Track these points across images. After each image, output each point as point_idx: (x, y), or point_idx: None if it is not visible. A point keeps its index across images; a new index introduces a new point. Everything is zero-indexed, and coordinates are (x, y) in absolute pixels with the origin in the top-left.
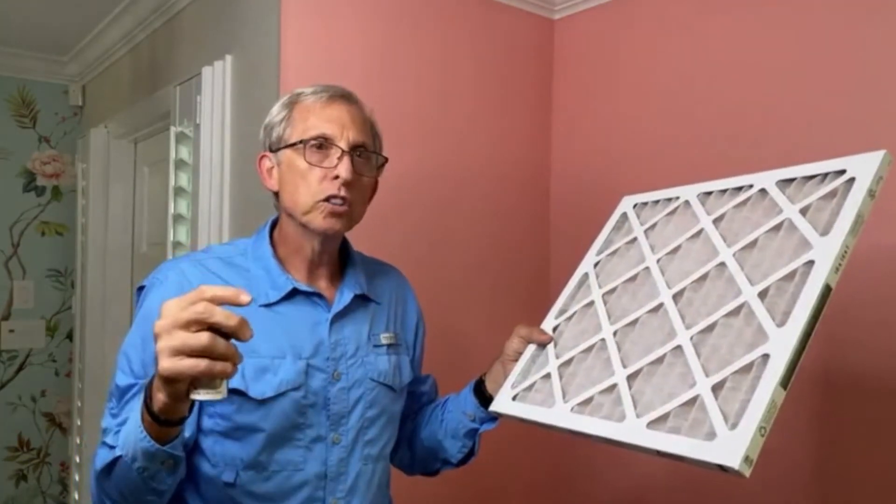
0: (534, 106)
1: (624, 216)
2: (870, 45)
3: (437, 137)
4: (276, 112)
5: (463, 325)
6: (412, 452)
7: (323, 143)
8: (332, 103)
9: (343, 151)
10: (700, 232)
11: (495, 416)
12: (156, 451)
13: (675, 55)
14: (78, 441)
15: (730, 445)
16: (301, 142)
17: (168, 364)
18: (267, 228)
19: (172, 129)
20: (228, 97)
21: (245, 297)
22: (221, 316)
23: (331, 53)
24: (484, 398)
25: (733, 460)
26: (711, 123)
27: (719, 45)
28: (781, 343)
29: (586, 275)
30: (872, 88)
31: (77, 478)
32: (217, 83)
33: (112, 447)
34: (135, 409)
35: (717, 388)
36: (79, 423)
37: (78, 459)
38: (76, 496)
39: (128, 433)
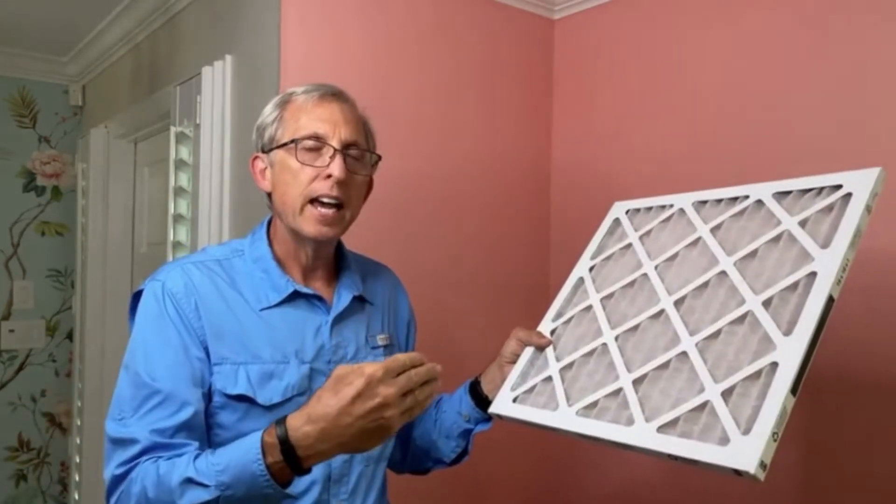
0: (534, 106)
1: (616, 221)
2: (870, 54)
3: (436, 137)
4: (268, 112)
5: (461, 327)
6: (403, 451)
7: (315, 143)
8: (323, 102)
9: (335, 150)
10: (698, 240)
11: (491, 417)
12: (273, 492)
13: (675, 55)
14: (78, 441)
15: (744, 450)
16: (293, 141)
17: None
18: (264, 228)
19: (172, 129)
20: (228, 97)
21: (438, 367)
22: (421, 377)
23: (331, 53)
24: (479, 399)
25: (749, 465)
26: (711, 123)
27: (719, 46)
28: (790, 351)
29: (581, 279)
30: (872, 99)
31: (77, 478)
32: (217, 83)
33: (204, 485)
34: (234, 450)
35: (726, 394)
36: (79, 423)
37: (78, 459)
38: (76, 496)
39: (235, 476)
